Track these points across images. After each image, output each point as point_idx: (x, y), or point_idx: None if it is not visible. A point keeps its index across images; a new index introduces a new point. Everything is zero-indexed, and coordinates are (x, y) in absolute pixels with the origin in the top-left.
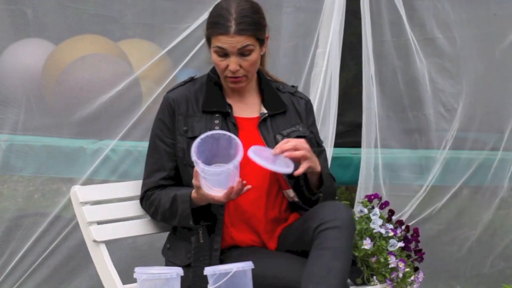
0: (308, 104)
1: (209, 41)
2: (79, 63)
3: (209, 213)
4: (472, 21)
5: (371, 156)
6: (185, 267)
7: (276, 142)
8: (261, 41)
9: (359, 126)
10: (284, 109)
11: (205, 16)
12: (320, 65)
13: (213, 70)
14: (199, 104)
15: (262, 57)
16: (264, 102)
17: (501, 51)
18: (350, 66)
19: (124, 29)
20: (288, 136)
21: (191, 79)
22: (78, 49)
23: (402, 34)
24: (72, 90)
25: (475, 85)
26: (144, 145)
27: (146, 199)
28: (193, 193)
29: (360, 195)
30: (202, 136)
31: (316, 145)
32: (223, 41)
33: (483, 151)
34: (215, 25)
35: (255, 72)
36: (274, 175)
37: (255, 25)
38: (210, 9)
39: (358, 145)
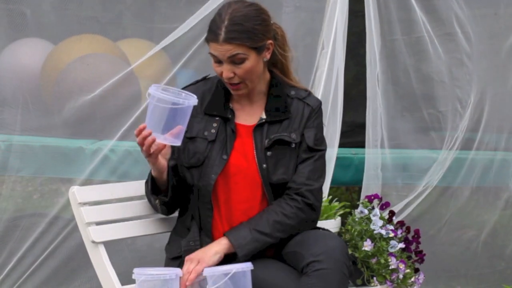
0: (314, 111)
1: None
2: (78, 63)
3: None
4: (480, 18)
5: (377, 156)
6: (174, 259)
7: (263, 147)
8: (258, 49)
9: (359, 126)
10: (286, 117)
11: (202, 15)
12: (323, 65)
13: None
14: (204, 105)
15: (283, 63)
16: (266, 107)
17: (506, 49)
18: (350, 66)
19: (123, 29)
20: (270, 140)
21: (203, 78)
22: (77, 49)
23: (413, 31)
24: (71, 90)
25: (483, 83)
26: None
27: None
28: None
29: (364, 196)
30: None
31: (306, 147)
32: (213, 49)
33: (489, 152)
34: (208, 31)
35: (255, 79)
36: (267, 185)
37: (246, 34)
38: (210, 8)
39: (358, 145)
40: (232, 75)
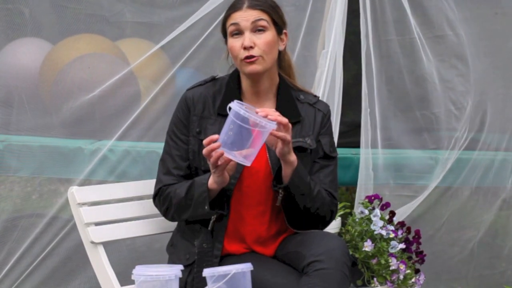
0: (326, 117)
1: (224, 31)
2: (76, 62)
3: (223, 204)
4: (477, 19)
5: (373, 156)
6: (186, 266)
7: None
8: (278, 27)
9: (359, 126)
10: (297, 120)
11: (202, 14)
12: (323, 65)
13: (235, 72)
14: (216, 106)
15: (290, 69)
16: (277, 109)
17: (507, 50)
18: (350, 66)
19: (122, 29)
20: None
21: (212, 79)
22: (76, 49)
23: (408, 32)
24: (70, 90)
25: (481, 84)
26: (142, 145)
27: (160, 194)
28: (210, 178)
29: (359, 195)
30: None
31: (323, 154)
32: (236, 17)
33: (486, 152)
34: (230, 7)
35: (271, 58)
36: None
37: (268, 5)
38: (210, 8)
39: (358, 145)
40: (252, 44)
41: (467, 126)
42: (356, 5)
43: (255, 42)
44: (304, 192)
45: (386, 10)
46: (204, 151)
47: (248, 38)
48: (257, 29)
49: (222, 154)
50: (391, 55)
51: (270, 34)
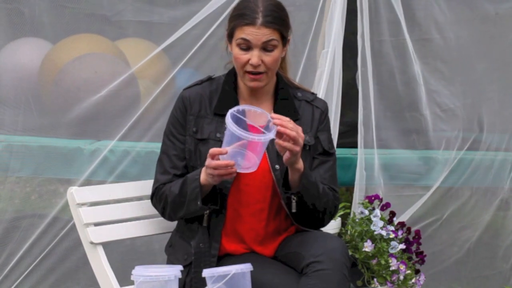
0: (323, 114)
1: (231, 35)
2: (76, 62)
3: (217, 199)
4: (469, 22)
5: (367, 156)
6: (184, 267)
7: (276, 148)
8: (285, 40)
9: None
10: (295, 118)
11: (203, 15)
12: (323, 65)
13: (232, 71)
14: (212, 105)
15: (283, 63)
16: (274, 108)
17: (502, 51)
18: (350, 66)
19: (121, 28)
20: None
21: (209, 79)
22: (76, 49)
23: (400, 34)
24: (70, 90)
25: (475, 86)
26: (142, 146)
27: (156, 194)
28: (203, 170)
29: (356, 196)
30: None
31: (322, 151)
32: (248, 32)
33: (483, 152)
34: (241, 16)
35: (275, 72)
36: (280, 187)
37: (281, 21)
38: (211, 9)
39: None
40: (260, 62)
41: (460, 128)
42: (355, 5)
43: (263, 59)
44: (313, 193)
45: (380, 11)
46: (220, 172)
47: (256, 56)
48: (267, 48)
49: (234, 172)
50: (384, 55)
51: (277, 52)
